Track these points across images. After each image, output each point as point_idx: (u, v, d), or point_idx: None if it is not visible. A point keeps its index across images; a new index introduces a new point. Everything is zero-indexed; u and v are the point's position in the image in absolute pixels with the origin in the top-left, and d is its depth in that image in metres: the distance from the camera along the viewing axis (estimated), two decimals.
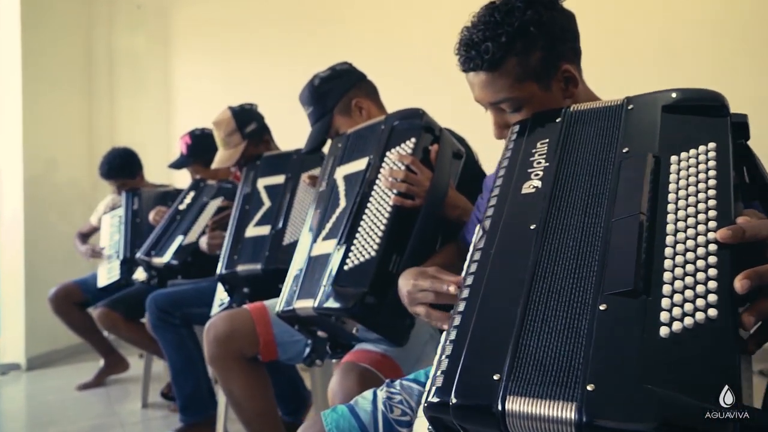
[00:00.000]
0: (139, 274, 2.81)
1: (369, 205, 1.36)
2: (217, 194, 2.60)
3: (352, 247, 1.31)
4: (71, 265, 3.85)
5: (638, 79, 2.85)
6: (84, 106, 4.29)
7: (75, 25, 4.25)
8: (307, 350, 1.56)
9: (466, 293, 0.77)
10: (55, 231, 3.94)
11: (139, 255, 2.60)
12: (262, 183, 2.15)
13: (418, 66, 3.32)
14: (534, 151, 0.88)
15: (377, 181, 1.39)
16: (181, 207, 2.69)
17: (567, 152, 0.85)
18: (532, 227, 0.78)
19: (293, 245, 1.94)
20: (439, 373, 0.71)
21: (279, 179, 2.13)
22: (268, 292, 2.00)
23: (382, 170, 1.40)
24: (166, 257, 2.50)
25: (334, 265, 1.31)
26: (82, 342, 3.29)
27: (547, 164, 0.85)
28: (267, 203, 2.08)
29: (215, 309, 2.17)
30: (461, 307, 0.76)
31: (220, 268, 1.99)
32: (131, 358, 3.35)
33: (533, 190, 0.82)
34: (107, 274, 3.15)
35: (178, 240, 2.53)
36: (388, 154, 1.43)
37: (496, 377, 0.65)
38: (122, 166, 3.20)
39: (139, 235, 3.08)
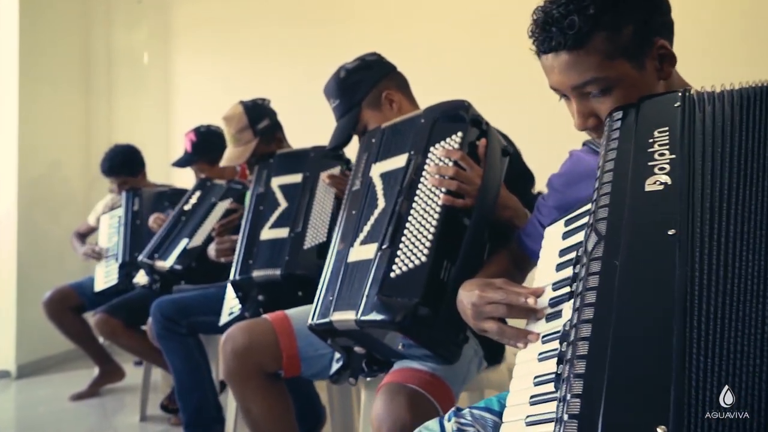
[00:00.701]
0: (140, 278, 2.63)
1: (414, 205, 1.21)
2: (226, 195, 2.43)
3: (399, 252, 1.15)
4: (65, 267, 3.65)
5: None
6: (81, 104, 4.09)
7: (73, 21, 4.05)
8: (336, 366, 1.40)
9: (589, 314, 0.61)
10: (50, 233, 3.74)
11: (141, 258, 2.41)
12: (276, 182, 1.99)
13: (425, 67, 3.17)
14: (651, 140, 0.72)
15: (422, 179, 1.24)
16: (186, 208, 2.51)
17: (697, 142, 0.69)
18: (670, 233, 0.62)
19: (315, 249, 1.79)
20: (567, 418, 0.55)
21: (296, 178, 1.96)
22: (285, 300, 1.83)
23: (426, 167, 1.25)
24: (170, 261, 2.32)
25: (377, 272, 1.15)
26: (74, 348, 3.09)
27: (673, 156, 0.69)
28: (283, 204, 1.91)
29: (225, 317, 1.99)
30: (585, 331, 0.60)
31: (234, 274, 1.81)
32: (126, 366, 3.16)
33: (661, 187, 0.66)
34: (105, 277, 2.96)
35: (183, 243, 2.35)
36: (432, 149, 1.27)
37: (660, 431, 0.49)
38: (124, 163, 3.01)
39: (140, 237, 2.90)
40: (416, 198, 1.21)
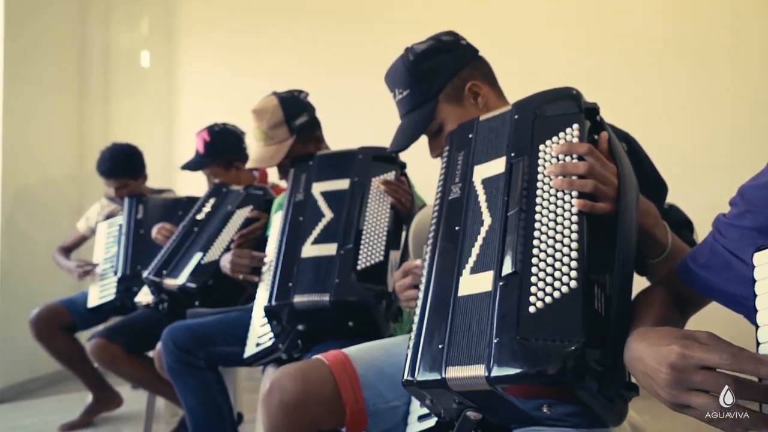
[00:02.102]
0: (143, 297, 2.28)
1: (538, 217, 0.89)
2: (245, 202, 2.09)
3: (533, 279, 0.83)
4: (54, 281, 3.26)
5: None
6: (75, 106, 3.69)
7: (67, 17, 3.67)
8: (421, 426, 1.07)
9: None
10: (37, 243, 3.34)
11: (146, 275, 2.06)
12: (318, 189, 1.65)
13: None
14: None
15: (538, 185, 0.92)
16: (199, 217, 2.16)
17: None
18: None
19: (370, 271, 1.47)
20: None
21: (341, 184, 1.63)
22: (329, 332, 1.50)
23: (540, 169, 0.93)
24: (182, 279, 1.97)
25: (505, 308, 0.83)
26: (63, 368, 2.70)
27: None
28: (328, 214, 1.58)
29: (251, 348, 1.64)
30: None
31: (270, 298, 1.47)
32: (123, 390, 2.77)
33: None
34: (99, 292, 2.60)
35: (197, 258, 2.00)
36: (542, 148, 0.95)
37: None
38: (126, 164, 2.65)
39: (143, 249, 2.54)
40: (537, 208, 0.89)
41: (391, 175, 1.64)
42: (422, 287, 0.99)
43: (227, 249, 1.97)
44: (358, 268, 1.45)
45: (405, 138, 1.30)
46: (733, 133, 2.85)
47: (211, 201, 2.19)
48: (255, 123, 1.81)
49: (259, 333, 1.64)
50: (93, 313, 2.57)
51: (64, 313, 2.57)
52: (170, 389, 2.06)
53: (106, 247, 2.73)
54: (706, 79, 2.88)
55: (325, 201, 1.61)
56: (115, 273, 2.55)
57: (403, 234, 1.61)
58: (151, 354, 2.18)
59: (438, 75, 1.28)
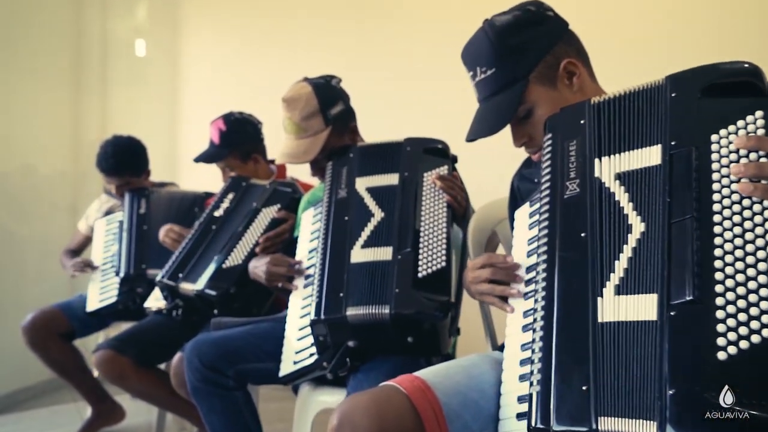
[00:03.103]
0: (154, 302, 2.05)
1: (717, 229, 0.70)
2: (272, 200, 1.87)
3: (719, 313, 0.64)
4: (48, 284, 3.01)
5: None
6: (68, 97, 3.39)
7: (60, 2, 3.39)
8: None
9: None
10: (28, 242, 3.08)
11: (160, 278, 1.84)
12: (363, 184, 1.45)
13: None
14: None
15: (715, 186, 0.73)
16: (218, 214, 1.94)
17: None
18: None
19: (433, 279, 1.27)
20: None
21: (389, 180, 1.43)
22: (384, 349, 1.31)
23: (715, 164, 0.74)
24: (200, 284, 1.75)
25: (684, 349, 0.64)
26: (57, 376, 2.46)
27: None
28: (378, 214, 1.38)
29: (287, 366, 1.43)
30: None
31: (318, 311, 1.27)
32: (122, 399, 2.53)
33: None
34: (99, 294, 2.36)
35: (217, 261, 1.79)
36: (714, 137, 0.76)
37: None
38: (130, 161, 2.40)
39: (147, 246, 2.32)
40: (716, 218, 0.71)
41: (444, 170, 1.44)
42: (539, 305, 0.80)
43: (252, 252, 1.76)
44: (419, 275, 1.25)
45: (490, 124, 1.10)
46: None
47: (230, 196, 1.97)
48: (286, 113, 1.60)
49: (296, 348, 1.44)
50: (92, 318, 2.34)
51: (61, 319, 2.33)
52: (186, 407, 1.86)
53: (105, 245, 2.49)
54: None
55: (372, 198, 1.41)
56: (117, 273, 2.32)
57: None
58: (162, 366, 1.97)
59: (529, 51, 1.09)
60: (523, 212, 1.13)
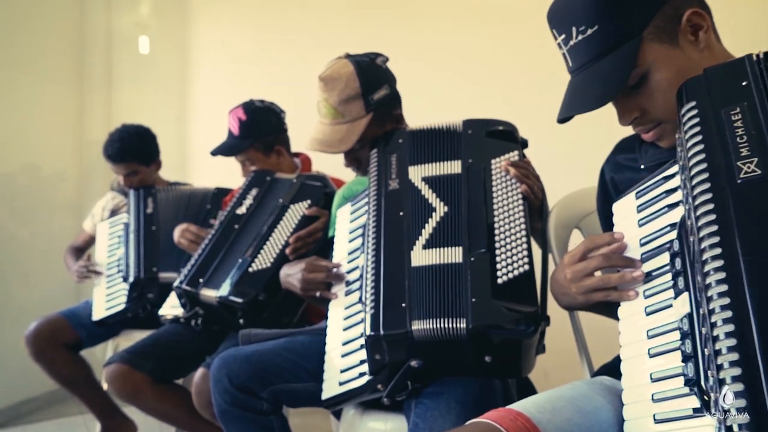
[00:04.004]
0: (169, 310, 1.82)
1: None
2: (301, 196, 1.64)
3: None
4: (53, 288, 2.78)
5: None
6: (72, 95, 3.14)
7: None
8: None
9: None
10: (31, 245, 2.85)
11: (179, 283, 1.61)
12: (418, 174, 1.22)
13: (522, 61, 2.42)
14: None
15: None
16: (240, 211, 1.71)
17: None
18: None
19: (517, 284, 1.03)
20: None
21: (451, 168, 1.21)
22: (453, 369, 1.08)
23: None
24: (224, 290, 1.52)
25: None
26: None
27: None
28: (440, 208, 1.15)
29: (332, 386, 1.20)
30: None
31: (375, 325, 1.04)
32: (133, 413, 2.29)
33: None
34: (106, 302, 2.14)
35: (241, 264, 1.56)
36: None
37: None
38: (137, 147, 2.18)
39: (156, 248, 2.10)
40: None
41: (514, 155, 1.21)
42: (720, 315, 0.57)
43: (282, 255, 1.53)
44: (499, 281, 1.02)
45: (594, 96, 0.87)
46: None
47: (253, 192, 1.74)
48: (323, 94, 1.37)
49: (341, 366, 1.20)
50: (100, 327, 2.11)
51: (67, 328, 2.10)
52: (209, 429, 1.63)
53: (109, 249, 2.26)
54: None
55: (431, 190, 1.18)
56: (125, 278, 2.10)
57: None
58: (180, 381, 1.74)
59: (641, 1, 0.86)
60: (627, 204, 0.91)
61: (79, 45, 3.21)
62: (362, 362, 1.16)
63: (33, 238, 2.88)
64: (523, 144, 1.27)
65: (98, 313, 2.11)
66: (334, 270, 1.30)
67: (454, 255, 1.07)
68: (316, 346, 1.30)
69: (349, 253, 1.34)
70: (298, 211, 1.62)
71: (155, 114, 3.10)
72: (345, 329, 1.24)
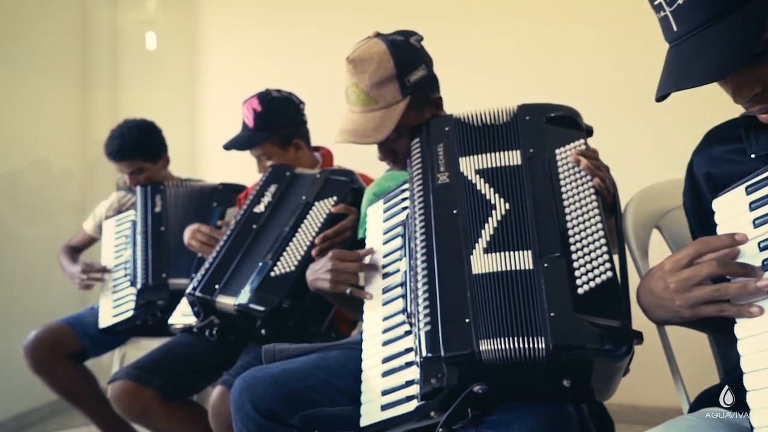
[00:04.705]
0: (179, 318, 1.65)
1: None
2: (326, 192, 1.47)
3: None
4: (57, 291, 2.60)
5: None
6: (76, 93, 2.96)
7: None
8: None
9: None
10: (35, 247, 2.67)
11: (192, 290, 1.43)
12: (470, 166, 1.05)
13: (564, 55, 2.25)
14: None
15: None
16: (258, 210, 1.54)
17: None
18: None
19: (601, 295, 0.85)
20: None
21: (509, 159, 1.03)
22: (522, 395, 0.91)
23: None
24: (243, 297, 1.35)
25: None
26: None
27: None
28: (501, 205, 0.97)
29: (374, 412, 1.02)
30: None
31: (430, 345, 0.86)
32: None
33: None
34: (113, 308, 1.97)
35: (262, 268, 1.38)
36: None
37: None
38: (141, 143, 2.00)
39: (165, 250, 1.94)
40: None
41: (580, 145, 1.04)
42: None
43: (307, 257, 1.36)
44: (579, 290, 0.85)
45: (713, 65, 0.70)
46: None
47: (272, 188, 1.57)
48: (352, 78, 1.19)
49: (381, 387, 1.03)
50: (106, 335, 1.94)
51: (70, 336, 1.92)
52: None
53: (116, 250, 2.09)
54: None
55: (488, 184, 1.01)
56: (132, 283, 1.93)
57: None
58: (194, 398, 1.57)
59: None
60: (734, 201, 0.75)
61: (83, 42, 3.04)
62: (408, 383, 0.99)
63: (36, 239, 2.72)
64: (588, 131, 1.09)
65: (105, 321, 1.94)
66: (367, 259, 1.14)
67: (522, 260, 0.89)
68: (351, 362, 1.12)
69: (385, 256, 1.17)
70: (323, 208, 1.44)
71: (163, 111, 2.91)
72: (385, 344, 1.07)
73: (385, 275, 1.14)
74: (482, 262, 0.91)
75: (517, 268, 0.89)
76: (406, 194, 1.19)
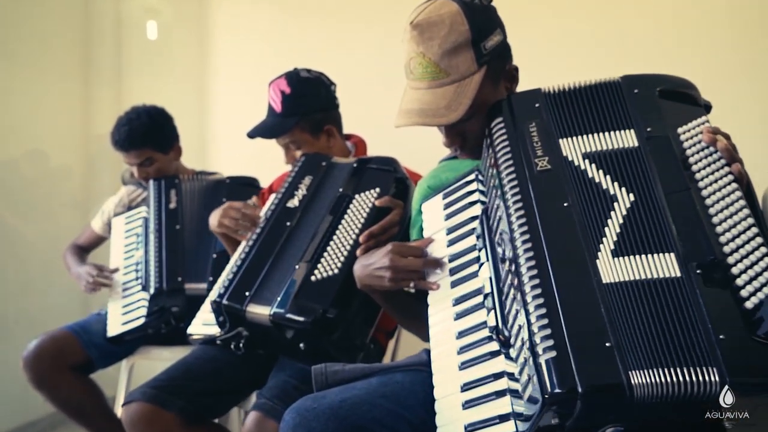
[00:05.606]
0: (199, 328, 1.43)
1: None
2: (367, 183, 1.25)
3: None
4: (58, 294, 2.41)
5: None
6: (78, 87, 2.74)
7: None
8: None
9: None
10: (34, 247, 2.47)
11: (218, 298, 1.21)
12: (575, 149, 0.84)
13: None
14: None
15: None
16: (292, 204, 1.32)
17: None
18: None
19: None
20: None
21: (622, 139, 0.83)
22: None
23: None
24: (279, 306, 1.14)
25: None
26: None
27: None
28: (623, 197, 0.77)
29: None
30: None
31: (558, 378, 0.65)
32: None
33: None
34: (122, 315, 1.75)
35: (300, 271, 1.17)
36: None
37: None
38: (152, 130, 1.79)
39: (181, 251, 1.74)
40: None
41: (703, 123, 0.84)
42: None
43: (351, 258, 1.14)
44: (747, 304, 0.64)
45: None
46: None
47: (306, 181, 1.35)
48: (417, 47, 0.97)
49: (465, 420, 0.82)
50: (115, 343, 1.72)
51: (75, 346, 1.70)
52: None
53: (126, 250, 1.88)
54: None
55: (602, 171, 0.80)
56: (144, 287, 1.72)
57: None
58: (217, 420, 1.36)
59: None
60: None
61: (85, 31, 2.82)
62: (503, 419, 0.78)
63: (35, 238, 2.51)
64: (707, 107, 0.89)
65: (114, 329, 1.72)
66: (431, 254, 0.97)
67: (665, 265, 0.69)
68: (419, 388, 0.92)
69: (452, 259, 0.96)
70: (365, 201, 1.24)
71: (170, 103, 2.69)
72: (464, 366, 0.87)
73: (455, 283, 0.94)
74: (612, 269, 0.70)
75: (661, 275, 0.68)
76: (473, 186, 1.00)
